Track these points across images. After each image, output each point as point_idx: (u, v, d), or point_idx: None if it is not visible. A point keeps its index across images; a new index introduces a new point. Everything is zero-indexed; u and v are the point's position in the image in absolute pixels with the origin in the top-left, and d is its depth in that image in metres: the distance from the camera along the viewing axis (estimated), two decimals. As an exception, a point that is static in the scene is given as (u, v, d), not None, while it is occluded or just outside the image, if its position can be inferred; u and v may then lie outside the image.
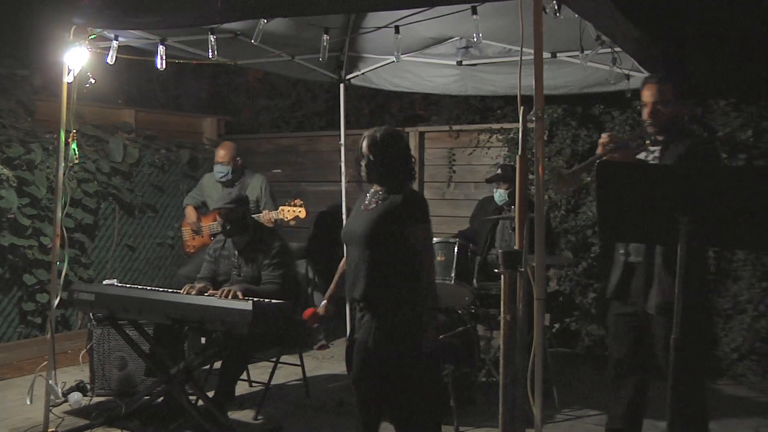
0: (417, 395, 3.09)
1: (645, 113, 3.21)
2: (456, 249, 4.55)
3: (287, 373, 5.05)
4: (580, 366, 5.54)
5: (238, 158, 5.57)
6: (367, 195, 3.25)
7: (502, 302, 2.70)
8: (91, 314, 4.68)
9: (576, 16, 3.43)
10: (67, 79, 3.92)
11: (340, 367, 5.29)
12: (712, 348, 5.27)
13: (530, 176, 2.93)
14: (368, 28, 4.87)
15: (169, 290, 4.10)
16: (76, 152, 4.08)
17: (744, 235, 2.54)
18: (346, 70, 5.82)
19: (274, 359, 4.56)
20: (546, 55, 4.66)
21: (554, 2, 3.02)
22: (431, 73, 5.68)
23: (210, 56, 4.27)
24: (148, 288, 4.23)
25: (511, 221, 4.88)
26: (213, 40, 4.21)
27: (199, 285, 4.18)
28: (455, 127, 6.77)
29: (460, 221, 6.00)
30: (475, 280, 4.74)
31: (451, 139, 6.73)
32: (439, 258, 4.55)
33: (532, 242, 2.87)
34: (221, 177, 5.50)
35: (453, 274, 4.51)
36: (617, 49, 4.21)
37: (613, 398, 3.38)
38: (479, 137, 6.54)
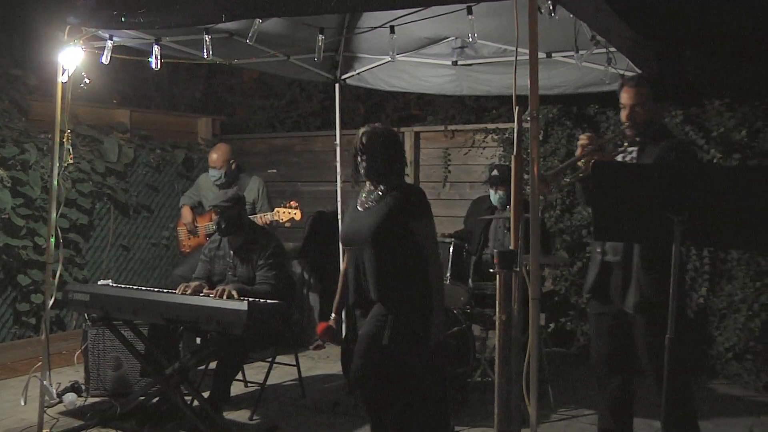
0: (424, 395, 3.07)
1: (623, 115, 3.25)
2: (451, 249, 4.56)
3: (283, 373, 5.04)
4: (575, 366, 5.55)
5: (233, 161, 5.54)
6: (362, 195, 3.23)
7: (497, 302, 2.71)
8: (85, 315, 4.67)
9: (571, 16, 3.43)
10: (62, 78, 3.91)
11: (335, 367, 5.29)
12: (696, 346, 5.30)
13: (525, 176, 2.94)
14: (363, 28, 4.87)
15: (164, 290, 4.09)
16: (71, 152, 4.07)
17: (738, 235, 2.56)
18: (341, 70, 5.81)
19: (269, 359, 4.56)
20: (541, 55, 4.66)
21: (549, 2, 3.02)
22: (426, 73, 5.69)
23: (205, 56, 4.27)
24: (143, 288, 4.22)
25: (505, 221, 4.89)
26: (208, 40, 4.20)
27: (194, 284, 4.18)
28: (450, 127, 6.78)
29: (456, 221, 6.00)
30: (470, 280, 4.74)
31: (446, 139, 6.73)
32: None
33: (525, 242, 2.88)
34: (216, 181, 5.48)
35: (448, 274, 4.52)
36: (612, 49, 4.21)
37: (600, 398, 3.40)
38: (474, 137, 6.55)
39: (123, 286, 4.39)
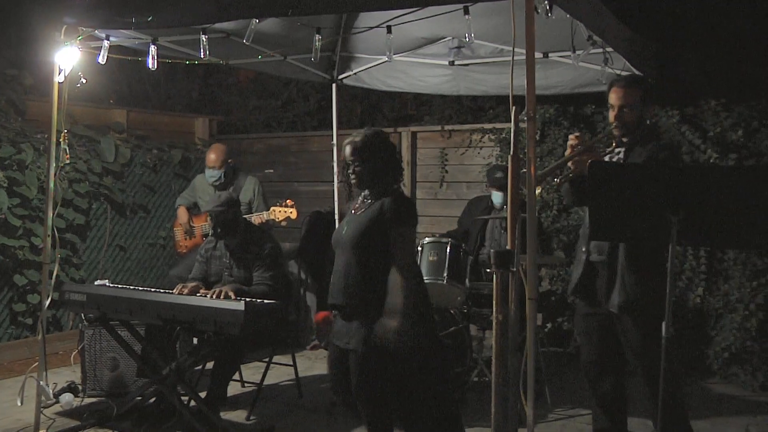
0: (423, 401, 3.05)
1: (611, 115, 3.27)
2: (448, 249, 4.55)
3: (280, 373, 5.04)
4: (572, 365, 5.55)
5: (230, 160, 5.52)
6: (359, 199, 3.23)
7: (494, 302, 2.71)
8: (82, 315, 4.66)
9: (568, 16, 3.44)
10: (58, 78, 3.90)
11: (332, 368, 5.28)
12: (693, 345, 5.32)
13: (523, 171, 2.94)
14: (360, 28, 4.87)
15: (161, 291, 4.09)
16: (67, 152, 4.06)
17: (735, 235, 2.56)
18: (338, 70, 5.82)
19: (266, 359, 4.56)
20: (538, 55, 4.67)
21: (546, 2, 3.03)
22: (423, 73, 5.69)
23: (202, 56, 4.27)
24: (140, 288, 4.22)
25: (502, 221, 4.90)
26: (205, 40, 4.20)
27: (191, 285, 4.17)
28: (447, 127, 6.78)
29: (453, 221, 6.00)
30: (467, 280, 4.75)
31: (443, 139, 6.74)
32: (431, 258, 4.56)
33: (522, 242, 2.88)
34: (213, 181, 5.46)
35: (445, 274, 4.52)
36: (609, 49, 4.23)
37: (592, 399, 3.41)
38: (471, 137, 6.55)
39: (120, 286, 4.39)
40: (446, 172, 6.69)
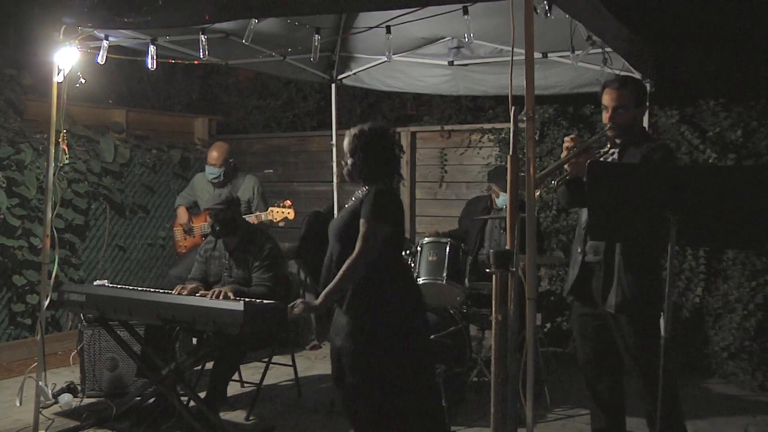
0: (411, 399, 3.05)
1: (605, 117, 3.26)
2: (448, 249, 4.55)
3: (279, 373, 5.04)
4: (571, 365, 5.53)
5: (231, 159, 5.53)
6: (356, 193, 3.24)
7: (493, 302, 2.71)
8: (81, 315, 4.66)
9: (567, 16, 3.44)
10: (58, 78, 3.90)
11: (332, 368, 5.28)
12: (692, 345, 5.31)
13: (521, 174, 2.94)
14: (360, 28, 4.87)
15: (160, 291, 4.09)
16: (66, 152, 4.06)
17: (734, 235, 2.57)
18: (337, 70, 5.81)
19: (265, 360, 4.56)
20: (537, 55, 4.67)
21: (545, 2, 3.03)
22: (423, 73, 5.69)
23: (201, 56, 4.26)
24: (139, 289, 4.22)
25: (501, 221, 4.89)
26: (204, 40, 4.20)
27: (190, 285, 4.17)
28: (447, 127, 6.78)
29: (452, 221, 6.00)
30: (466, 280, 4.74)
31: (442, 139, 6.74)
32: (430, 258, 4.56)
33: (521, 242, 2.88)
34: (213, 178, 5.48)
35: (445, 274, 4.51)
36: (608, 49, 4.23)
37: (591, 399, 3.41)
38: (471, 137, 6.55)
39: (119, 286, 4.38)
40: (445, 172, 6.69)
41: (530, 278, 2.82)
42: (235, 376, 4.79)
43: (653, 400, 3.05)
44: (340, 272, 2.98)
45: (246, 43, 4.36)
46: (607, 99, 3.25)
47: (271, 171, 7.51)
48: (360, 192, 3.18)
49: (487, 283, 4.70)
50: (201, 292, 4.11)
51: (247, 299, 3.80)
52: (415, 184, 6.84)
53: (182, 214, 5.71)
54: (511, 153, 2.82)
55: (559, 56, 4.90)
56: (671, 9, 6.06)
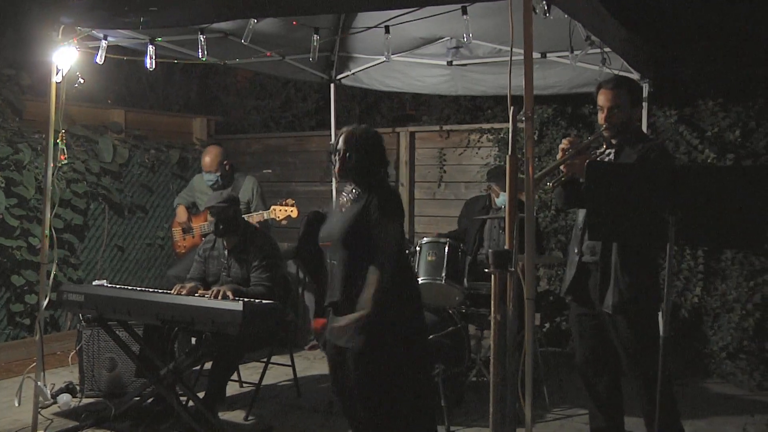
0: (410, 402, 3.05)
1: (600, 117, 3.27)
2: (446, 249, 4.55)
3: (278, 373, 5.04)
4: (570, 365, 5.55)
5: (226, 162, 5.49)
6: (343, 194, 3.22)
7: (492, 302, 2.71)
8: (80, 315, 4.66)
9: (566, 16, 3.44)
10: (56, 78, 3.90)
11: (330, 368, 5.28)
12: (690, 345, 5.32)
13: (520, 175, 2.94)
14: (358, 28, 4.88)
15: (159, 291, 4.09)
16: (65, 152, 4.06)
17: (732, 235, 2.57)
18: (336, 70, 5.82)
19: (264, 360, 4.55)
20: (536, 55, 4.68)
21: (544, 2, 3.03)
22: (422, 73, 5.69)
23: (200, 56, 4.27)
24: (138, 289, 4.22)
25: (500, 221, 4.90)
26: (203, 40, 4.20)
27: (189, 285, 4.17)
28: (446, 127, 6.78)
29: (451, 221, 6.01)
30: (465, 280, 4.74)
31: (441, 139, 6.74)
32: (429, 258, 4.55)
33: (520, 242, 2.88)
34: (211, 184, 5.44)
35: (443, 274, 4.51)
36: (606, 49, 4.23)
37: (589, 399, 3.42)
38: (470, 137, 6.55)
39: (118, 286, 4.38)
40: (444, 172, 6.70)
41: (529, 278, 2.82)
42: (234, 376, 4.79)
43: (650, 399, 3.07)
44: (376, 286, 2.90)
45: (245, 43, 4.37)
46: (602, 99, 3.25)
47: (269, 171, 7.51)
48: (351, 191, 3.17)
49: (485, 283, 4.70)
50: (200, 292, 4.11)
51: (246, 299, 3.79)
52: (414, 184, 6.85)
53: (181, 213, 5.70)
54: (510, 153, 2.82)
55: (558, 56, 4.90)
56: (670, 9, 6.07)
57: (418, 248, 4.61)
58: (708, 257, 5.31)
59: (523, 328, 2.84)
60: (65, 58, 3.87)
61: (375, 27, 4.36)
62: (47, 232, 3.95)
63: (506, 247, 2.84)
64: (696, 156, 5.35)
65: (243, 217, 4.64)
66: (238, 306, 3.54)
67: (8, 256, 5.56)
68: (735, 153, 5.29)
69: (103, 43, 3.99)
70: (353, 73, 5.82)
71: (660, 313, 3.36)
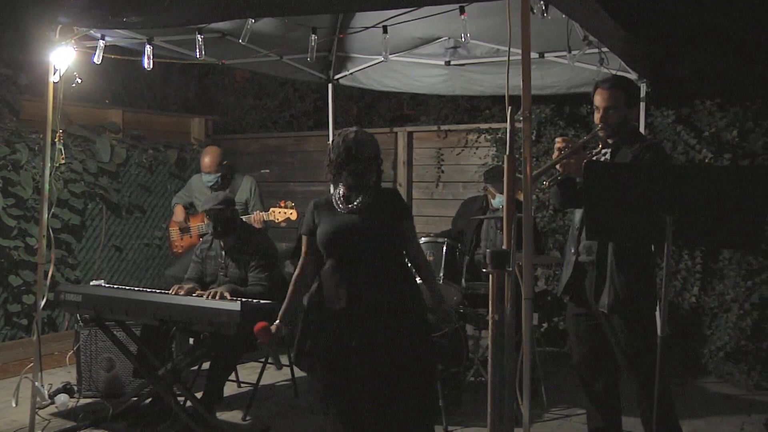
0: (416, 400, 3.04)
1: (596, 117, 3.27)
2: (444, 249, 4.56)
3: (276, 373, 5.04)
4: (568, 365, 5.54)
5: (225, 162, 5.50)
6: (337, 196, 3.18)
7: (490, 302, 2.71)
8: (77, 315, 4.65)
9: (563, 16, 3.44)
10: (53, 78, 3.89)
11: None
12: (688, 344, 5.32)
13: (518, 175, 2.94)
14: (356, 28, 4.87)
15: (157, 291, 4.08)
16: (63, 152, 4.05)
17: (730, 234, 2.57)
18: (334, 70, 5.81)
19: (262, 360, 4.55)
20: (534, 55, 4.68)
21: (542, 2, 3.03)
22: (419, 73, 5.69)
23: (197, 56, 4.26)
24: (136, 289, 4.21)
25: (497, 221, 4.90)
26: (200, 39, 4.19)
27: (187, 286, 4.17)
28: (443, 127, 6.79)
29: (449, 221, 6.01)
30: (463, 280, 4.75)
31: (439, 139, 6.74)
32: (427, 258, 4.56)
33: (517, 242, 2.88)
34: (211, 185, 5.44)
35: (441, 274, 4.52)
36: (604, 49, 4.23)
37: (586, 399, 3.42)
38: (467, 137, 6.55)
39: (115, 286, 4.38)
40: (442, 172, 6.70)
41: (527, 278, 2.82)
42: (232, 376, 4.79)
43: (647, 399, 3.07)
44: (433, 278, 3.28)
45: (242, 43, 4.36)
46: (598, 99, 3.26)
47: (267, 171, 7.50)
48: (338, 193, 3.16)
49: (483, 283, 4.71)
50: (198, 292, 4.11)
51: (243, 299, 3.79)
52: (412, 184, 6.84)
53: (179, 212, 5.69)
54: (507, 153, 2.82)
55: (556, 56, 4.90)
56: (668, 9, 6.08)
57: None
58: (706, 257, 5.32)
59: (521, 328, 2.84)
60: (63, 57, 3.86)
61: (373, 27, 4.36)
62: (44, 232, 3.94)
63: (504, 247, 2.84)
64: (693, 156, 5.36)
65: (240, 218, 4.64)
66: (235, 306, 3.54)
67: (5, 256, 5.55)
68: (732, 153, 5.29)
69: (101, 43, 3.98)
70: (351, 73, 5.82)
71: (657, 313, 3.36)
